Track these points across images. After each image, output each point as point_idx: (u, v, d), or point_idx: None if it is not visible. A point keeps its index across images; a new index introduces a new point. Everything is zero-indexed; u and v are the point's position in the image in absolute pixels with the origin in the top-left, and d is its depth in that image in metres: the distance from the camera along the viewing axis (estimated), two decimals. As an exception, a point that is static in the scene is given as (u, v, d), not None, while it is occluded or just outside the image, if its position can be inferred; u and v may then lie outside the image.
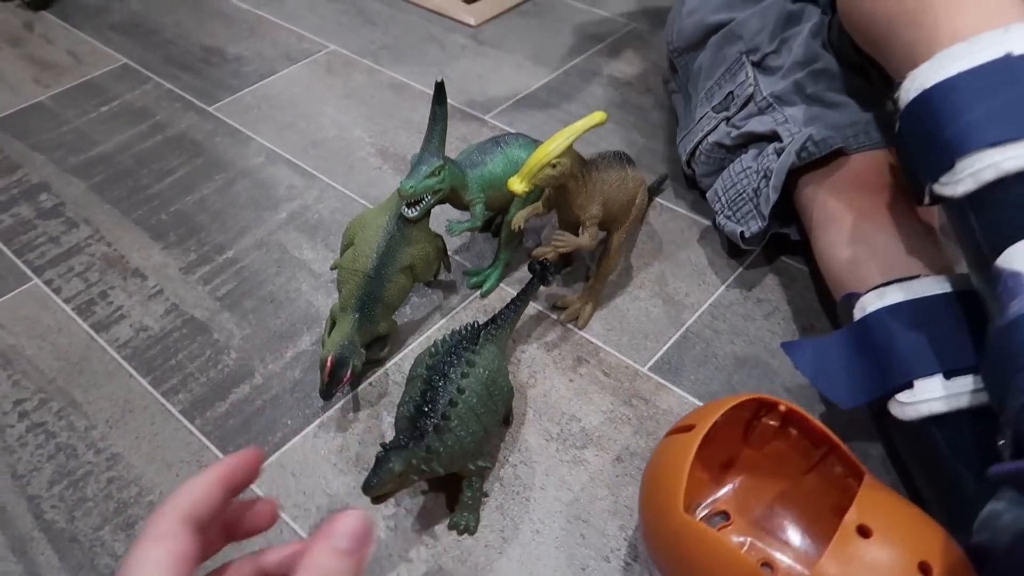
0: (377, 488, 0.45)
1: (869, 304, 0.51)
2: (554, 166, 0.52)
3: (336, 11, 1.05)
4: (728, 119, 0.69)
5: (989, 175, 0.42)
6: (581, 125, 0.52)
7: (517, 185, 0.52)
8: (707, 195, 0.69)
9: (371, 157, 0.81)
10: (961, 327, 0.48)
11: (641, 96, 0.88)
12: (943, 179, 0.45)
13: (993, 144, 0.42)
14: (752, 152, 0.66)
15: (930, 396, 0.46)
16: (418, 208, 0.57)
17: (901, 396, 0.47)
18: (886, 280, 0.51)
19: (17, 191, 0.78)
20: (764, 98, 0.66)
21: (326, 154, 0.81)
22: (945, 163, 0.44)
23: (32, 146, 0.84)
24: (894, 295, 0.50)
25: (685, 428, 0.44)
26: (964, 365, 0.46)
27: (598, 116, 0.53)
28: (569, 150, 0.53)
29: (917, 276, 0.51)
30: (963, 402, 0.46)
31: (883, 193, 0.59)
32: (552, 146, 0.52)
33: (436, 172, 0.57)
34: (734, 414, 0.45)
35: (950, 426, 0.46)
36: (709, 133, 0.70)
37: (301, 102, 0.89)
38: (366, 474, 0.48)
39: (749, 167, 0.65)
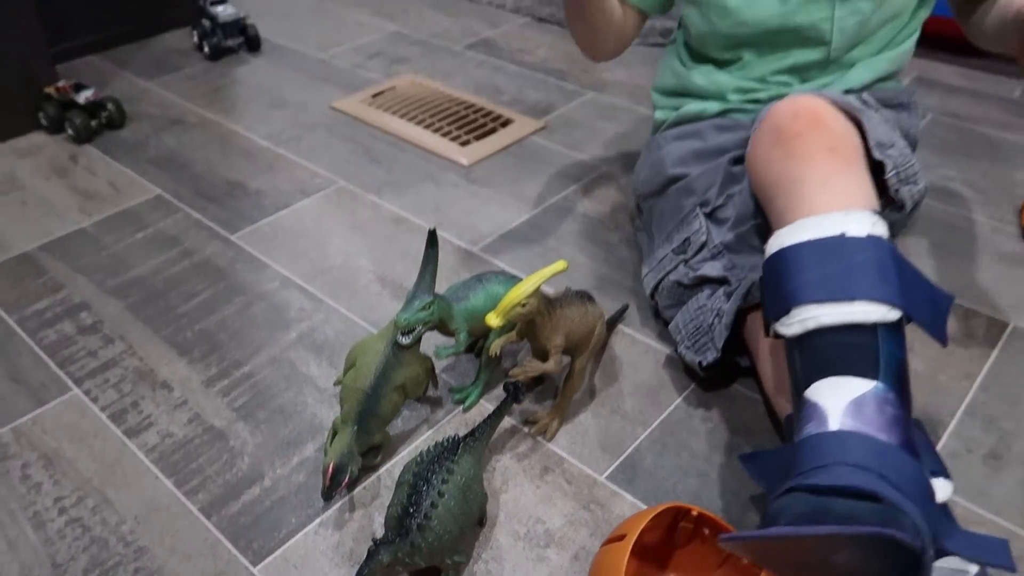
0: (367, 577, 0.54)
1: None
2: (524, 305, 0.64)
3: (346, 150, 1.19)
4: (686, 261, 0.81)
5: (811, 324, 0.55)
6: (546, 272, 0.64)
7: (493, 320, 0.63)
8: (669, 327, 0.80)
9: (372, 284, 0.93)
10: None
11: (610, 232, 1.01)
12: (782, 320, 0.58)
13: (817, 301, 0.55)
14: (707, 291, 0.78)
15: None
16: (411, 336, 0.68)
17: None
18: None
19: (61, 309, 0.89)
20: (716, 246, 0.78)
21: (333, 280, 0.93)
22: (783, 309, 0.57)
23: (75, 268, 0.96)
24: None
25: (618, 538, 0.53)
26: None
27: (560, 265, 0.64)
28: (536, 292, 0.64)
29: None
30: None
31: None
32: (521, 289, 0.63)
33: (427, 307, 0.68)
34: (658, 520, 0.55)
35: None
36: (669, 272, 0.82)
37: (312, 233, 1.01)
38: (358, 566, 0.57)
39: (704, 305, 0.76)
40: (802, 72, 0.83)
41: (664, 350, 0.83)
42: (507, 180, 1.12)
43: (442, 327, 0.72)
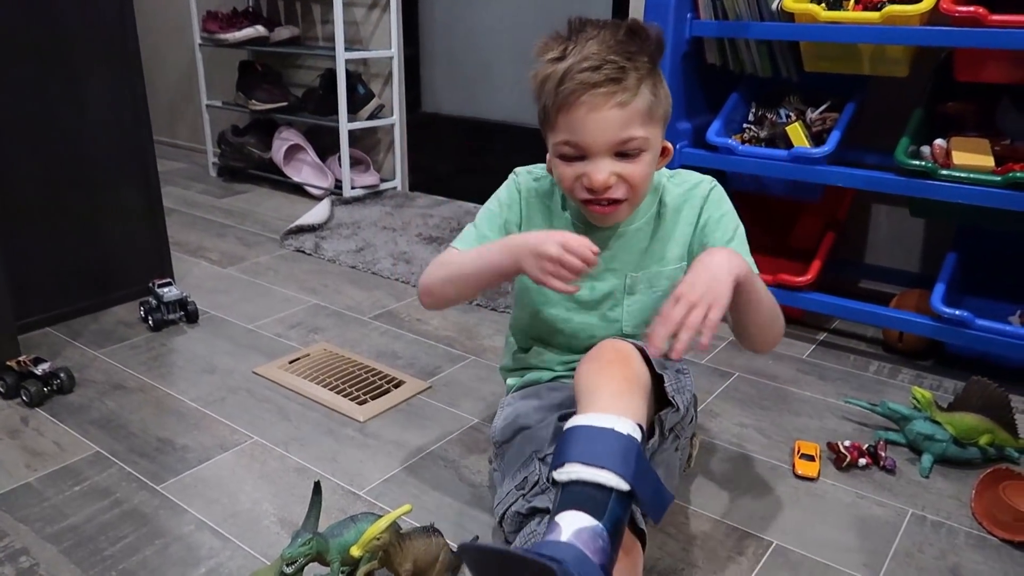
0: None
1: None
2: (378, 539, 0.86)
3: (262, 410, 1.43)
4: (523, 495, 1.05)
5: (573, 476, 0.81)
6: (395, 514, 0.88)
7: (355, 551, 0.85)
8: (511, 549, 1.02)
9: (273, 525, 1.13)
10: None
11: (474, 475, 1.25)
12: (557, 470, 0.83)
13: (582, 463, 0.82)
14: (537, 519, 1.01)
15: None
16: (293, 566, 0.89)
17: None
18: None
19: (2, 554, 1.06)
20: (545, 483, 1.02)
21: (240, 523, 1.13)
22: (559, 463, 0.83)
23: (18, 518, 1.13)
24: None
25: None
26: None
27: (405, 508, 0.88)
28: (388, 528, 0.87)
29: None
30: None
31: None
32: (377, 527, 0.86)
33: (307, 543, 0.90)
34: None
35: None
36: (511, 505, 1.05)
37: (227, 482, 1.22)
38: None
39: (535, 531, 0.99)
40: None
41: (504, 573, 1.04)
42: (394, 433, 1.37)
43: (320, 559, 0.93)
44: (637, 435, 0.86)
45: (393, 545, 0.87)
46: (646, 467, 0.85)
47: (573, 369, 1.13)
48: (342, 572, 0.94)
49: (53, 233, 1.74)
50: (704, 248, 1.05)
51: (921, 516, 1.17)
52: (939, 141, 1.52)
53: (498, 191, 1.17)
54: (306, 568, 0.91)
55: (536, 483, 1.03)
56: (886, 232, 1.98)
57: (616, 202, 1.03)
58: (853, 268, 2.02)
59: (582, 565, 0.75)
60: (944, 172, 1.47)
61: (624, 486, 0.81)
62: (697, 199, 1.11)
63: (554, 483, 0.85)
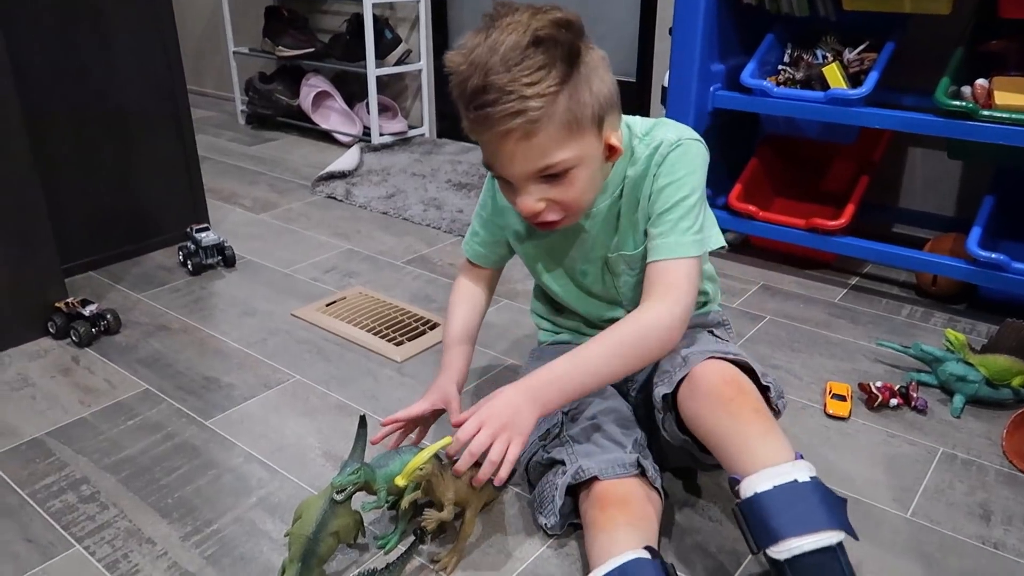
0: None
1: None
2: (421, 469, 0.89)
3: (302, 349, 1.47)
4: (544, 447, 1.07)
5: (797, 551, 0.80)
6: (435, 446, 0.91)
7: (400, 480, 0.89)
8: (532, 495, 1.06)
9: (318, 458, 1.17)
10: None
11: (509, 414, 1.28)
12: (771, 549, 0.81)
13: (797, 535, 0.80)
14: (554, 470, 1.04)
15: None
16: (343, 494, 0.93)
17: None
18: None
19: (65, 483, 1.12)
20: (565, 437, 1.05)
21: (286, 456, 1.18)
22: (771, 540, 0.81)
23: (77, 450, 1.19)
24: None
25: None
26: None
27: (446, 440, 0.91)
28: (429, 460, 0.90)
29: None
30: None
31: (620, 506, 0.94)
32: (419, 458, 0.89)
33: (355, 472, 0.94)
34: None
35: None
36: (534, 454, 1.08)
37: (272, 418, 1.27)
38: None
39: (551, 481, 1.02)
40: None
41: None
42: (430, 373, 1.39)
43: (367, 488, 0.96)
44: (810, 471, 0.85)
45: (436, 475, 0.91)
46: (835, 498, 0.84)
47: (598, 331, 1.11)
48: (387, 501, 0.98)
49: (91, 180, 1.77)
50: (652, 219, 1.00)
51: (952, 454, 1.19)
52: (980, 81, 1.50)
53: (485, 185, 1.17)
54: (353, 499, 0.95)
55: (556, 435, 1.06)
56: (921, 176, 1.96)
57: (553, 222, 0.97)
58: (887, 212, 2.00)
59: None
60: (985, 113, 1.45)
61: (841, 535, 0.81)
62: (652, 167, 0.99)
63: (773, 562, 0.83)
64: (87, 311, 1.49)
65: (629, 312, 0.99)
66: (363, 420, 0.98)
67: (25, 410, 1.29)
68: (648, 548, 0.86)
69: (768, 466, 0.84)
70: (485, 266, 1.19)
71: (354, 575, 0.96)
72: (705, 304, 1.17)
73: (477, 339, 1.18)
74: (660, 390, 0.98)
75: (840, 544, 0.81)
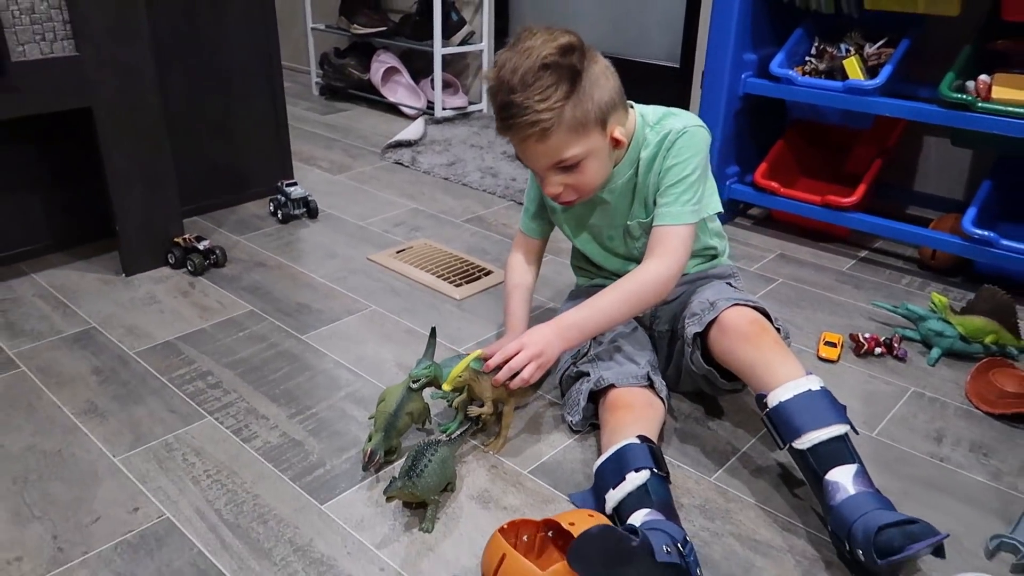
0: (388, 494, 1.03)
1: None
2: (461, 376, 1.15)
3: (377, 287, 1.75)
4: (574, 363, 1.32)
5: (816, 440, 1.03)
6: (469, 358, 1.16)
7: (445, 386, 1.15)
8: (563, 400, 1.31)
9: (393, 367, 1.44)
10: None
11: (549, 344, 1.54)
12: (795, 442, 1.06)
13: (814, 429, 1.04)
14: (581, 380, 1.28)
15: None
16: (417, 383, 1.19)
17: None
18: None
19: (195, 374, 1.41)
20: (591, 355, 1.30)
21: (367, 364, 1.45)
22: (795, 435, 1.05)
23: (201, 351, 1.48)
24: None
25: (513, 530, 1.00)
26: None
27: (477, 352, 1.17)
28: (466, 368, 1.15)
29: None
30: None
31: (627, 408, 1.19)
32: (459, 368, 1.15)
33: (428, 367, 1.20)
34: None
35: None
36: (566, 369, 1.33)
37: (354, 338, 1.54)
38: (383, 501, 1.04)
39: (577, 388, 1.27)
40: None
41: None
42: (484, 310, 1.66)
43: (435, 382, 1.23)
44: (820, 383, 1.09)
45: (474, 379, 1.16)
46: (837, 402, 1.08)
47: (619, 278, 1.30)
48: (448, 398, 1.25)
49: (200, 136, 2.07)
50: (660, 191, 1.22)
51: (920, 393, 1.41)
52: (983, 76, 1.68)
53: None
54: (423, 392, 1.22)
55: (585, 353, 1.31)
56: (934, 161, 2.14)
57: (571, 201, 1.22)
58: (903, 194, 2.19)
59: (880, 501, 0.99)
60: (982, 105, 1.64)
61: (845, 427, 1.05)
62: (663, 151, 1.21)
63: (797, 453, 1.06)
64: (201, 246, 1.78)
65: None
66: (433, 330, 1.25)
67: (156, 321, 1.59)
68: (640, 436, 1.10)
69: (788, 381, 1.08)
70: (534, 237, 1.44)
71: (427, 437, 1.23)
72: (715, 257, 1.40)
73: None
74: (692, 329, 1.21)
75: (846, 434, 1.05)
